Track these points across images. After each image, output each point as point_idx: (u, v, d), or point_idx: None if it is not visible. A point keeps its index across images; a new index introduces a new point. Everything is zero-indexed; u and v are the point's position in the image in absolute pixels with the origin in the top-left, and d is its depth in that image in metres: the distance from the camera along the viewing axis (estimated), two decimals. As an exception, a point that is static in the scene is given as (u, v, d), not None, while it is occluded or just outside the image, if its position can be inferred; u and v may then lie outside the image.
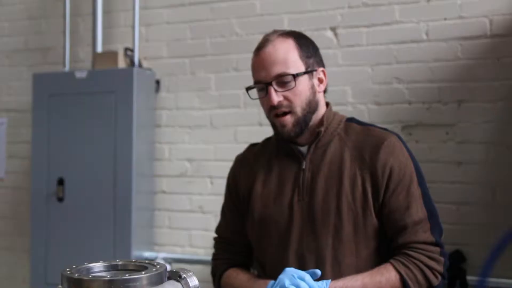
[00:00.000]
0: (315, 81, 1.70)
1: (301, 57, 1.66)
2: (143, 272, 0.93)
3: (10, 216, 3.95)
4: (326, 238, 1.62)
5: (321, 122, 1.69)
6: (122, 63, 3.46)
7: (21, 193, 3.88)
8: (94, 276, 0.93)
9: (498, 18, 2.78)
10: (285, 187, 1.70)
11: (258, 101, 3.35)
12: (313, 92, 1.68)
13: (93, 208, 3.36)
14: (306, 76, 1.66)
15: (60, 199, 3.45)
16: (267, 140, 1.87)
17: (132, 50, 3.48)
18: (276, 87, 1.63)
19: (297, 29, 3.20)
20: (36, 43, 3.91)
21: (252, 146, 1.89)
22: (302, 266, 1.61)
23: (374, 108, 2.94)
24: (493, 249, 0.67)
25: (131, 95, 3.30)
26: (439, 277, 1.57)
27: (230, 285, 1.75)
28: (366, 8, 3.00)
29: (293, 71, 1.63)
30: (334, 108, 1.83)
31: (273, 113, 1.66)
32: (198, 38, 3.44)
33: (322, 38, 3.00)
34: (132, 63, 3.46)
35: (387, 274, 1.54)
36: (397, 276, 1.54)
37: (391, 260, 1.58)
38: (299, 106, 1.64)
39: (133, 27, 3.48)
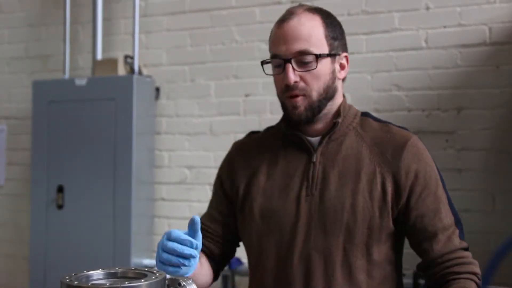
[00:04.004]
0: (337, 66, 1.53)
1: (326, 37, 1.50)
2: (142, 280, 0.93)
3: (10, 223, 3.95)
4: (336, 238, 1.46)
5: (337, 112, 1.54)
6: (122, 70, 3.46)
7: (20, 200, 3.88)
8: (93, 284, 0.93)
9: (497, 26, 2.79)
10: (292, 180, 1.52)
11: (258, 108, 3.36)
12: (333, 77, 1.52)
13: (93, 216, 3.35)
14: (328, 59, 1.50)
15: (60, 206, 3.45)
16: (270, 127, 1.69)
17: (132, 58, 3.49)
18: (295, 65, 1.47)
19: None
20: (36, 50, 3.92)
21: (253, 134, 1.72)
22: (308, 267, 1.47)
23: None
24: (493, 256, 0.67)
25: (131, 102, 3.30)
26: (481, 279, 1.46)
27: None
28: (366, 15, 3.01)
29: (316, 51, 1.47)
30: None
31: (287, 94, 1.49)
32: (198, 46, 3.44)
33: (321, 45, 3.01)
34: (132, 70, 3.46)
35: None
36: None
37: (455, 280, 1.43)
38: (315, 90, 1.48)
39: (133, 34, 3.49)
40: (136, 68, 3.45)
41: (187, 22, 3.48)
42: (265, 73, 1.57)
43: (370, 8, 3.02)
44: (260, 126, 3.21)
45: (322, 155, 1.52)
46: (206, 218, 1.65)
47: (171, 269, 1.28)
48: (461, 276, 1.42)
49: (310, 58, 1.46)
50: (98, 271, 0.98)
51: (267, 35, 3.65)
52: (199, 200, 3.38)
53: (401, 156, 1.48)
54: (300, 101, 1.48)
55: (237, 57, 3.33)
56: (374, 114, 1.61)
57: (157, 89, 3.51)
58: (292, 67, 1.47)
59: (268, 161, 1.58)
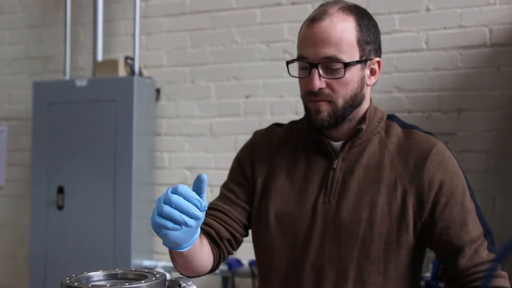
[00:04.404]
0: (367, 72, 1.44)
1: (358, 41, 1.40)
2: (142, 281, 0.92)
3: (10, 224, 3.95)
4: (351, 251, 1.38)
5: (362, 118, 1.46)
6: (122, 71, 3.46)
7: (21, 201, 3.88)
8: (93, 285, 0.92)
9: (497, 27, 2.79)
10: (310, 185, 1.45)
11: (258, 109, 3.36)
12: (362, 85, 1.43)
13: (93, 216, 3.35)
14: (358, 66, 1.40)
15: (60, 207, 3.45)
16: (294, 123, 1.60)
17: (132, 59, 3.49)
18: (321, 71, 1.38)
19: (297, 38, 3.23)
20: (36, 51, 3.92)
21: (277, 126, 1.62)
22: (319, 279, 1.41)
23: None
24: (494, 258, 0.67)
25: (131, 104, 3.30)
26: None
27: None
28: (366, 17, 3.01)
29: (346, 58, 1.37)
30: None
31: (310, 98, 1.41)
32: (198, 47, 3.44)
33: (322, 47, 3.01)
34: (132, 71, 3.46)
35: None
36: None
37: None
38: (341, 98, 1.39)
39: (133, 35, 3.49)
40: (136, 69, 3.45)
41: (187, 23, 3.48)
42: (289, 74, 1.47)
43: (371, 9, 3.00)
44: (261, 128, 3.20)
45: (343, 161, 1.44)
46: (218, 199, 1.56)
47: (170, 224, 1.12)
48: None
49: (338, 65, 1.37)
50: (98, 272, 0.98)
51: (267, 36, 3.64)
52: (199, 201, 3.37)
53: (424, 165, 1.39)
54: (324, 106, 1.40)
55: (237, 59, 3.33)
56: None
57: (158, 90, 3.51)
58: (319, 72, 1.38)
59: (289, 161, 1.51)
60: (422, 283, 2.82)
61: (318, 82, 1.37)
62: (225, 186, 1.58)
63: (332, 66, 1.37)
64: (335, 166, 1.44)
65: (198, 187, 1.17)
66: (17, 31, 3.99)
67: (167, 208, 1.11)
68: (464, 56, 2.85)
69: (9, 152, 3.97)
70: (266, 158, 1.54)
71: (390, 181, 1.40)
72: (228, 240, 1.50)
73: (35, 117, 3.58)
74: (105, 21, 3.65)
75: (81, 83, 3.44)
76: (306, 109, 1.45)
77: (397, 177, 1.40)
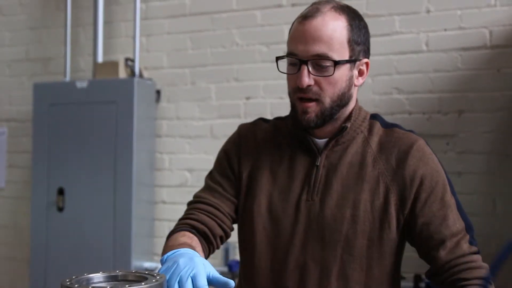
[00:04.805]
0: (355, 72, 1.46)
1: (349, 41, 1.42)
2: (143, 283, 0.93)
3: (10, 226, 3.95)
4: (334, 248, 1.40)
5: (348, 117, 1.48)
6: (122, 73, 3.46)
7: (21, 203, 3.88)
8: (93, 287, 0.92)
9: (498, 29, 2.79)
10: (294, 182, 1.46)
11: (259, 111, 3.36)
12: (350, 84, 1.44)
13: (93, 218, 3.35)
14: (347, 65, 1.42)
15: (60, 209, 3.45)
16: (279, 119, 1.61)
17: (132, 60, 3.49)
18: (311, 68, 1.38)
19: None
20: (37, 53, 3.92)
21: (263, 121, 1.62)
22: (303, 276, 1.41)
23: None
24: (494, 260, 0.67)
25: (132, 105, 3.30)
26: (492, 283, 1.34)
27: (165, 246, 1.40)
28: (366, 18, 2.98)
29: (336, 56, 1.38)
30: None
31: (298, 95, 1.41)
32: (198, 48, 3.45)
33: (322, 48, 3.01)
34: (132, 73, 3.47)
35: None
36: None
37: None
38: (329, 97, 1.40)
39: (133, 37, 3.49)
40: (137, 71, 3.45)
41: (187, 25, 3.48)
42: (278, 69, 1.47)
43: (371, 11, 3.02)
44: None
45: (326, 158, 1.46)
46: (206, 191, 1.54)
47: None
48: (470, 282, 1.34)
49: (328, 63, 1.38)
50: (99, 274, 0.98)
51: (268, 38, 3.65)
52: (199, 202, 3.38)
53: (405, 161, 1.41)
54: (313, 107, 1.40)
55: (238, 60, 3.33)
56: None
57: (158, 92, 3.51)
58: (308, 69, 1.38)
59: (273, 157, 1.51)
60: (423, 285, 2.83)
61: (307, 79, 1.38)
62: (211, 178, 1.57)
63: (321, 63, 1.38)
64: (318, 164, 1.45)
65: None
66: (17, 32, 3.99)
67: None
68: (464, 58, 2.85)
69: (10, 153, 3.97)
70: (251, 152, 1.54)
71: (372, 179, 1.42)
72: (220, 237, 1.50)
73: (36, 118, 3.58)
74: (106, 22, 3.66)
75: (81, 84, 3.44)
76: (293, 107, 1.45)
77: (379, 174, 1.42)
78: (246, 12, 3.32)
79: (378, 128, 1.49)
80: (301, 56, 1.39)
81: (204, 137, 3.40)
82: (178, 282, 1.06)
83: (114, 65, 3.48)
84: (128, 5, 3.62)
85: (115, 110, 3.34)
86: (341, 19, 1.42)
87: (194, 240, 1.39)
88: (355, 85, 1.47)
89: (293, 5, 3.20)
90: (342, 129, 1.45)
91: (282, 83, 3.22)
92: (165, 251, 1.32)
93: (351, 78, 1.44)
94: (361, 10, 3.02)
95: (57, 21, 3.85)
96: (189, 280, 1.06)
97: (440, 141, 2.86)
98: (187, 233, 1.41)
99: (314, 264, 1.41)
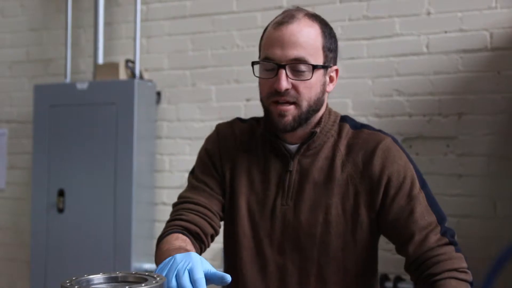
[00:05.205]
0: (327, 78, 1.48)
1: (323, 47, 1.44)
2: (143, 284, 0.93)
3: (10, 227, 3.95)
4: (311, 251, 1.44)
5: (318, 122, 1.50)
6: (123, 74, 3.47)
7: (21, 204, 3.88)
8: (94, 288, 0.92)
9: (498, 31, 2.79)
10: (269, 186, 1.49)
11: (259, 113, 3.35)
12: (323, 90, 1.46)
13: (93, 219, 3.35)
14: (321, 71, 1.44)
15: (61, 210, 3.45)
16: (255, 121, 1.62)
17: (133, 62, 3.49)
18: (288, 72, 1.40)
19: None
20: (37, 54, 3.92)
21: (240, 121, 1.63)
22: (283, 277, 1.46)
23: (375, 120, 2.94)
24: (494, 262, 0.67)
25: (132, 107, 3.30)
26: (469, 272, 1.38)
27: (159, 250, 1.40)
28: (367, 20, 3.02)
29: (312, 60, 1.41)
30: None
31: (274, 99, 1.42)
32: (199, 50, 3.45)
33: (323, 50, 3.01)
34: (133, 74, 3.47)
35: None
36: None
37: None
38: (306, 100, 1.42)
39: (134, 39, 3.49)
40: (137, 72, 3.45)
41: (188, 26, 3.48)
42: (254, 74, 1.49)
43: (371, 13, 3.02)
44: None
45: (299, 163, 1.48)
46: (192, 191, 1.55)
47: None
48: (440, 276, 1.35)
49: (305, 67, 1.40)
50: (99, 275, 0.98)
51: (268, 40, 3.58)
52: (199, 204, 3.38)
53: (371, 162, 1.44)
54: (291, 110, 1.42)
55: (238, 62, 3.33)
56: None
57: (158, 94, 3.51)
58: (286, 73, 1.40)
59: (249, 160, 1.54)
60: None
61: (285, 83, 1.39)
62: (195, 178, 1.59)
63: (299, 68, 1.40)
64: (291, 169, 1.48)
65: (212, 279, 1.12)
66: (18, 34, 4.00)
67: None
68: (464, 60, 2.85)
69: (10, 155, 3.97)
70: (231, 153, 1.57)
71: (342, 182, 1.45)
72: (211, 235, 1.52)
73: (36, 120, 3.58)
74: (106, 24, 3.66)
75: (82, 86, 3.44)
76: (267, 112, 1.46)
77: (348, 177, 1.45)
78: (247, 13, 3.33)
79: (347, 130, 1.51)
80: (279, 60, 1.40)
81: (205, 139, 3.40)
82: (176, 276, 1.08)
83: (114, 66, 3.48)
84: (129, 6, 3.62)
85: (115, 111, 3.34)
86: (315, 26, 1.44)
87: (188, 243, 1.39)
88: (327, 91, 1.50)
89: (294, 7, 3.20)
90: (312, 134, 1.48)
91: (282, 85, 3.23)
92: (160, 256, 1.33)
93: (324, 84, 1.47)
94: (362, 12, 3.03)
95: (57, 23, 3.85)
96: (186, 273, 1.07)
97: (441, 143, 2.86)
98: (180, 236, 1.42)
99: (293, 266, 1.46)
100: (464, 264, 1.37)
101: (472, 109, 2.82)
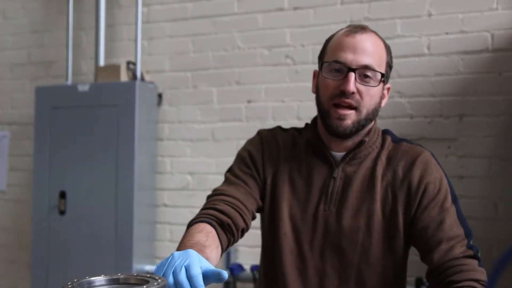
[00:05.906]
0: (383, 93, 1.56)
1: (387, 63, 1.53)
2: (144, 286, 0.93)
3: (12, 229, 3.95)
4: (352, 257, 1.49)
5: (367, 133, 1.56)
6: (124, 76, 3.47)
7: (22, 206, 3.88)
8: (95, 290, 0.92)
9: (499, 32, 2.79)
10: (312, 192, 1.54)
11: (260, 114, 3.35)
12: (380, 102, 1.54)
13: (95, 221, 3.35)
14: (382, 84, 1.51)
15: (62, 212, 3.45)
16: (296, 131, 1.67)
17: (134, 64, 3.50)
18: (357, 77, 1.46)
19: (299, 43, 3.25)
20: (39, 56, 3.93)
21: (281, 130, 1.68)
22: (322, 280, 1.50)
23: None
24: (496, 264, 0.67)
25: (133, 108, 3.30)
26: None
27: (183, 238, 1.38)
28: (368, 22, 3.01)
29: (381, 70, 1.50)
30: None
31: (337, 100, 1.47)
32: (200, 52, 3.45)
33: (324, 52, 3.01)
34: (134, 76, 3.47)
35: None
36: None
37: None
38: (366, 108, 1.48)
39: (135, 40, 3.50)
40: (138, 74, 3.45)
41: (189, 28, 3.48)
42: (321, 73, 1.52)
43: (373, 15, 3.02)
44: (262, 133, 3.21)
45: (343, 171, 1.54)
46: (231, 186, 1.57)
47: None
48: (461, 284, 1.38)
49: (372, 75, 1.47)
50: (100, 277, 0.98)
51: (269, 42, 3.63)
52: (201, 206, 3.37)
53: (411, 171, 1.50)
54: (351, 115, 1.48)
55: (239, 63, 3.33)
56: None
57: (160, 95, 3.52)
58: (355, 77, 1.46)
59: (291, 166, 1.58)
60: None
61: (353, 86, 1.45)
62: (234, 175, 1.61)
63: (368, 74, 1.47)
64: (335, 176, 1.53)
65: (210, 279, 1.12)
66: (19, 36, 4.00)
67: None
68: (465, 61, 2.85)
69: (11, 156, 3.97)
70: (273, 159, 1.60)
71: (382, 191, 1.50)
72: (242, 230, 1.52)
73: (37, 121, 3.58)
74: (107, 26, 3.66)
75: (83, 88, 3.45)
76: (326, 114, 1.51)
77: (387, 185, 1.51)
78: (248, 15, 3.33)
79: (389, 143, 1.58)
80: (350, 64, 1.46)
81: (206, 141, 3.40)
82: (173, 273, 1.09)
83: (115, 68, 3.48)
84: (130, 8, 3.62)
85: (116, 113, 3.34)
86: (381, 41, 1.54)
87: (210, 237, 1.38)
88: (381, 106, 1.57)
89: (295, 8, 3.20)
90: (359, 144, 1.54)
91: (283, 86, 3.23)
92: (179, 246, 1.33)
93: (381, 97, 1.55)
94: (363, 14, 3.03)
95: (59, 25, 3.86)
96: (183, 269, 1.09)
97: (442, 145, 2.86)
98: (206, 227, 1.41)
99: (333, 271, 1.50)
100: (485, 278, 1.41)
101: (473, 110, 2.82)
